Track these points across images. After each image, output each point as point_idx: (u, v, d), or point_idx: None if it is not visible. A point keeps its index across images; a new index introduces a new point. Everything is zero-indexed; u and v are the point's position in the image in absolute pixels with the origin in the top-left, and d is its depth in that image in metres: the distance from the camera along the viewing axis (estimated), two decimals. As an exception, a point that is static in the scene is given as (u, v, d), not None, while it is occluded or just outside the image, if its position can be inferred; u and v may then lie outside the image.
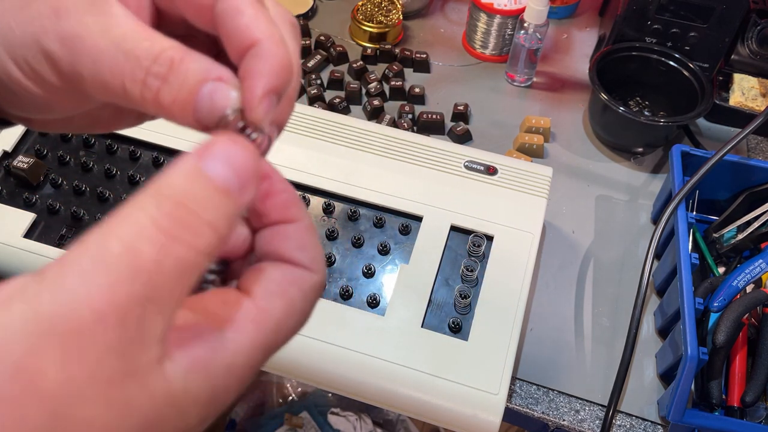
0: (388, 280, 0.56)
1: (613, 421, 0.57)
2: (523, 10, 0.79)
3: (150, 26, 0.24)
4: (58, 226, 0.59)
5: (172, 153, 0.62)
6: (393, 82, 0.82)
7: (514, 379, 0.59)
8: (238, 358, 0.21)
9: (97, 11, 0.23)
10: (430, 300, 0.55)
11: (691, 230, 0.62)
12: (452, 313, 0.54)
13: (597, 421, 0.57)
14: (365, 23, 0.86)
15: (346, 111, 0.80)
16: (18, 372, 0.17)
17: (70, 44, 0.23)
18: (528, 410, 0.58)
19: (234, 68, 0.24)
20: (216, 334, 0.20)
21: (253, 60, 0.23)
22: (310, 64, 0.84)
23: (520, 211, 0.59)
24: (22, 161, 0.60)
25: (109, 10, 0.23)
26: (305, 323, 0.24)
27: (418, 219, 0.59)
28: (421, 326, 0.53)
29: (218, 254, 0.22)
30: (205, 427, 0.21)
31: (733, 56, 0.80)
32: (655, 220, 0.69)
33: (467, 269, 0.56)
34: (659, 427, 0.57)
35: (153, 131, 0.63)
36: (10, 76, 0.25)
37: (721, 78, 0.81)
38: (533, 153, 0.75)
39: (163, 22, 0.27)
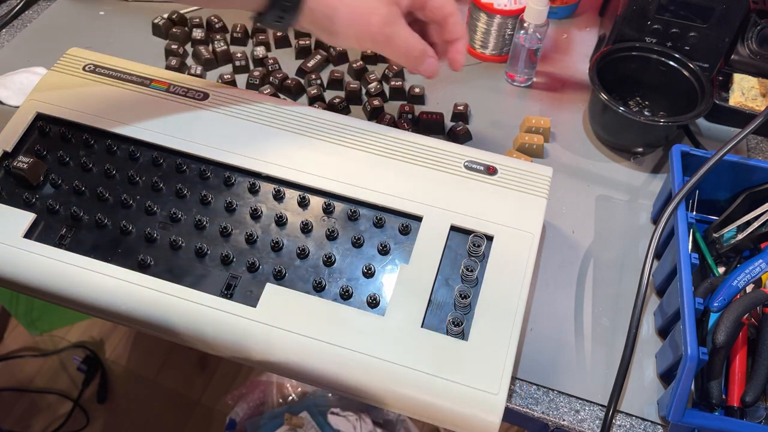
0: (388, 280, 0.56)
1: (613, 421, 0.57)
2: (523, 10, 0.79)
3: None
4: (58, 226, 0.59)
5: (171, 153, 0.62)
6: (393, 82, 0.82)
7: (514, 379, 0.59)
8: None
9: (402, 24, 0.56)
10: (430, 300, 0.55)
11: (691, 230, 0.62)
12: (452, 313, 0.54)
13: (597, 421, 0.57)
14: (365, 23, 0.86)
15: (346, 111, 0.80)
16: None
17: (390, 40, 0.56)
18: (528, 410, 0.58)
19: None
20: None
21: (458, 43, 0.59)
22: (310, 64, 0.84)
23: (520, 211, 0.59)
24: (22, 161, 0.60)
25: (403, 23, 0.56)
26: None
27: (418, 219, 0.59)
28: (421, 326, 0.53)
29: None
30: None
31: (733, 56, 0.80)
32: (655, 220, 0.69)
33: (467, 269, 0.56)
34: (659, 427, 0.57)
35: (153, 131, 0.63)
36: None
37: (721, 78, 0.81)
38: (533, 153, 0.75)
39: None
